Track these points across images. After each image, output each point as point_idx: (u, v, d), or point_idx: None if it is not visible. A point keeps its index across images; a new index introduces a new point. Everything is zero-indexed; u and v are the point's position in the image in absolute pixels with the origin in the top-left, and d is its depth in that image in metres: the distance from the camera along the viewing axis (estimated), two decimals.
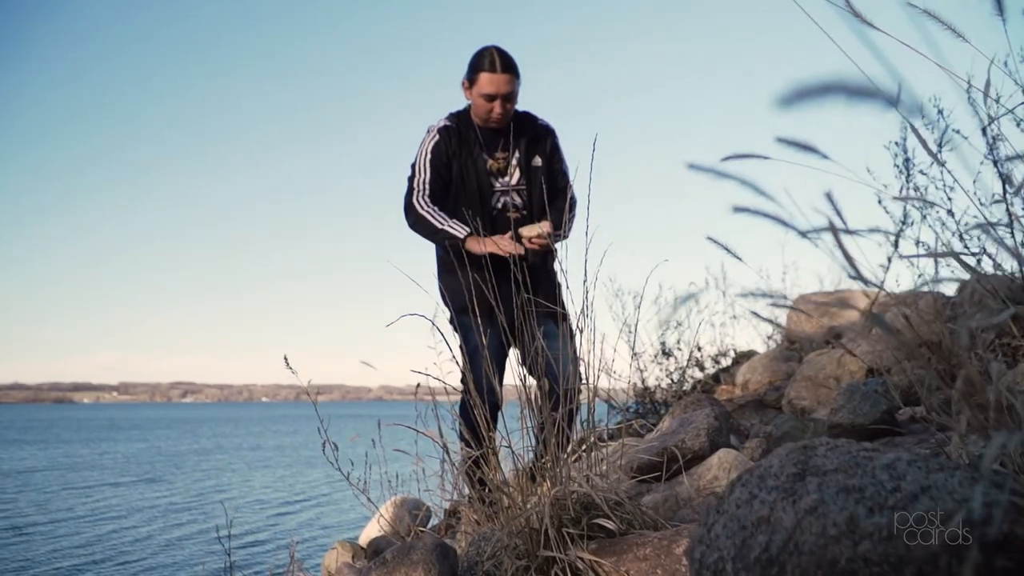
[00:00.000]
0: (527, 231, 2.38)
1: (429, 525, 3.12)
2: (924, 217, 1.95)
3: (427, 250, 2.78)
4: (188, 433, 40.79)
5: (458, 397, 2.13)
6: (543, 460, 1.59)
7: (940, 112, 1.71)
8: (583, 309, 1.58)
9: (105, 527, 10.20)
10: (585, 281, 1.53)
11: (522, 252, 2.35)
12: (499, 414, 2.40)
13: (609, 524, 1.14)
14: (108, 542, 9.16)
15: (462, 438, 2.24)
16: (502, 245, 2.37)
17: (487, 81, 2.45)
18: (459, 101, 2.66)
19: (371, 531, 3.15)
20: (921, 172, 1.95)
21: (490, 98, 2.46)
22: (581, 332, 1.67)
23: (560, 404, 2.33)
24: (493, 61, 2.47)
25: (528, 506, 1.30)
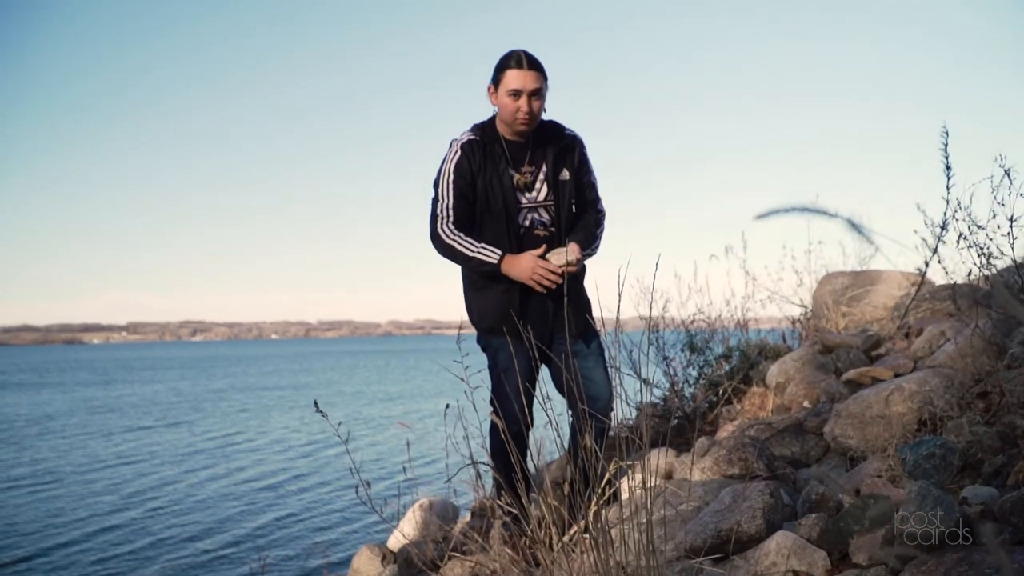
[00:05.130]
0: (555, 258, 2.31)
1: (458, 527, 3.17)
2: (985, 277, 1.90)
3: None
4: (203, 373, 41.59)
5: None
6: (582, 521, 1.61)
7: (1007, 172, 1.63)
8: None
9: (131, 486, 10.44)
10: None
11: (558, 282, 2.30)
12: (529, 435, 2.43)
13: None
14: (136, 500, 9.42)
15: (497, 486, 2.26)
16: (536, 274, 2.32)
17: (514, 77, 2.38)
18: (482, 110, 2.55)
19: (400, 535, 3.19)
20: (979, 227, 1.88)
21: (516, 94, 2.38)
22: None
23: (597, 428, 2.35)
24: (520, 59, 2.41)
25: None
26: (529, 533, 1.69)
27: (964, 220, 1.93)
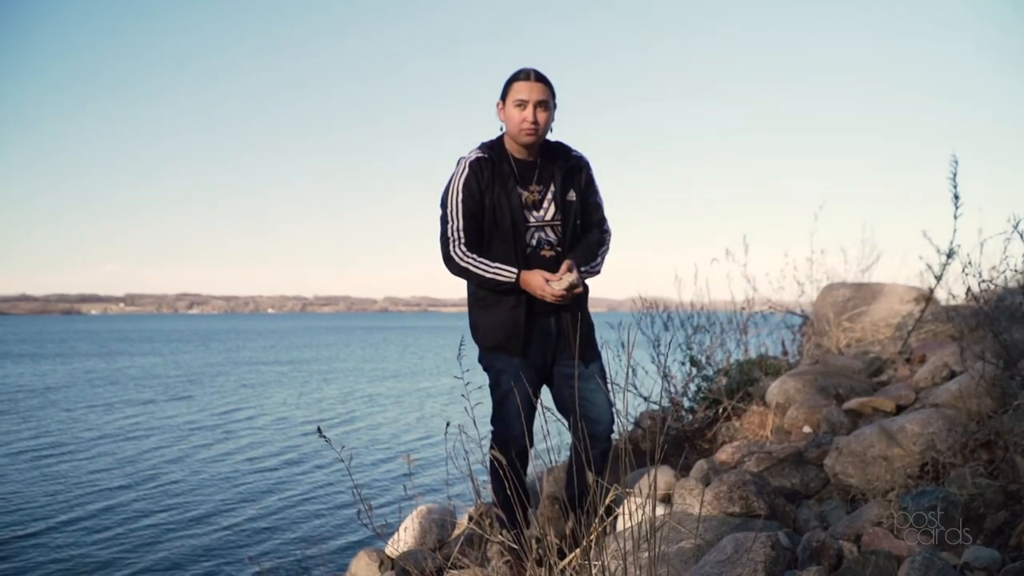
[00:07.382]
0: (557, 285, 2.34)
1: (455, 535, 3.20)
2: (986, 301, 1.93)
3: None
4: (201, 347, 41.70)
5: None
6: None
7: (1016, 228, 1.66)
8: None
9: (133, 463, 10.51)
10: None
11: (563, 295, 2.34)
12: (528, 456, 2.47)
13: None
14: (137, 478, 9.49)
15: (499, 521, 2.30)
16: (547, 291, 2.35)
17: (520, 88, 2.41)
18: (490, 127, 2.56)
19: (400, 540, 3.21)
20: (991, 283, 1.91)
21: (523, 104, 2.39)
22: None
23: (598, 451, 2.39)
24: (528, 73, 2.44)
25: None
26: (527, 571, 1.73)
27: (974, 276, 1.96)
